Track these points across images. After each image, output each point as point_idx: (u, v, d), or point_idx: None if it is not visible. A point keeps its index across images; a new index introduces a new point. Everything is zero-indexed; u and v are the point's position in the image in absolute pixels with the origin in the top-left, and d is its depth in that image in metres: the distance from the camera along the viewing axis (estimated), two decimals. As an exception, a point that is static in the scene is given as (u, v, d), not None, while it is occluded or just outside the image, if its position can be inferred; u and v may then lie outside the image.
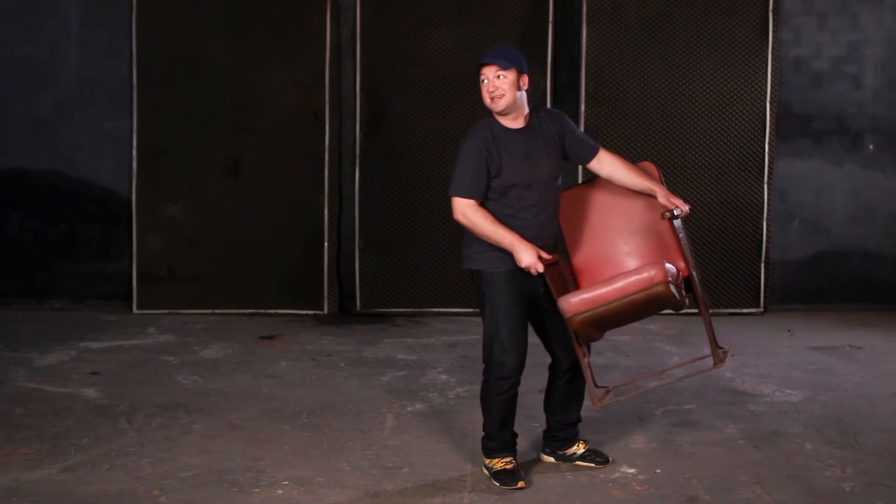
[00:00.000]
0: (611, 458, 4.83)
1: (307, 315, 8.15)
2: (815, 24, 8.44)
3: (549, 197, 4.56)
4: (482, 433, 4.67)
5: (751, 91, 8.19)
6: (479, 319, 7.92)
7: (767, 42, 8.16)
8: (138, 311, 8.14)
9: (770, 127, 8.20)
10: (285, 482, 4.56)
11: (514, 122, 4.51)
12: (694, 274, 4.59)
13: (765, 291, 8.28)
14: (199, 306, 8.17)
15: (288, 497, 4.41)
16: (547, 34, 8.15)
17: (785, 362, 6.73)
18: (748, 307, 8.26)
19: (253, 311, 8.16)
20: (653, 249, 4.63)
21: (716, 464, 4.83)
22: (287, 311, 8.18)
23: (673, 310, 4.54)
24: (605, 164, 4.67)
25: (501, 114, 4.48)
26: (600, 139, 8.10)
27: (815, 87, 8.48)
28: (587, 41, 8.14)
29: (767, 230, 8.27)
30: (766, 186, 8.24)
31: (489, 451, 4.63)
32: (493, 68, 4.44)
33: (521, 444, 4.83)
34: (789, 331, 7.72)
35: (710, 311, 4.76)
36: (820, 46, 8.46)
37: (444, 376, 6.35)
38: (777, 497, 4.43)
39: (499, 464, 4.59)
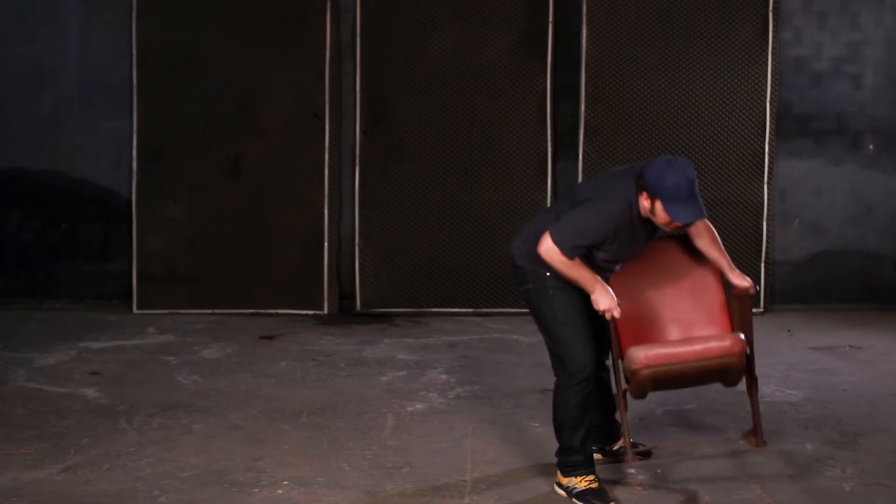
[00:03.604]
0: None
1: (307, 315, 8.14)
2: (815, 24, 8.43)
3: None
4: (557, 451, 4.43)
5: (751, 91, 8.19)
6: (478, 319, 8.02)
7: (767, 42, 8.16)
8: (138, 311, 8.13)
9: (770, 127, 8.20)
10: (285, 482, 4.56)
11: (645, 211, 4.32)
12: (752, 355, 4.53)
13: (765, 291, 8.27)
14: (199, 306, 8.16)
15: (288, 497, 4.41)
16: (547, 34, 8.14)
17: (785, 362, 6.73)
18: (748, 307, 8.23)
19: (253, 311, 8.15)
20: (700, 322, 4.55)
21: (716, 464, 4.83)
22: (287, 311, 8.17)
23: (729, 384, 4.50)
24: (694, 230, 4.56)
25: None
26: (600, 139, 8.22)
27: (815, 87, 8.47)
28: (587, 41, 8.13)
29: (767, 230, 8.27)
30: (766, 186, 8.24)
31: (571, 468, 4.35)
32: None
33: (523, 443, 4.83)
34: (789, 331, 7.71)
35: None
36: (820, 46, 8.45)
37: (444, 376, 6.35)
38: (777, 497, 4.43)
39: (583, 482, 4.34)
